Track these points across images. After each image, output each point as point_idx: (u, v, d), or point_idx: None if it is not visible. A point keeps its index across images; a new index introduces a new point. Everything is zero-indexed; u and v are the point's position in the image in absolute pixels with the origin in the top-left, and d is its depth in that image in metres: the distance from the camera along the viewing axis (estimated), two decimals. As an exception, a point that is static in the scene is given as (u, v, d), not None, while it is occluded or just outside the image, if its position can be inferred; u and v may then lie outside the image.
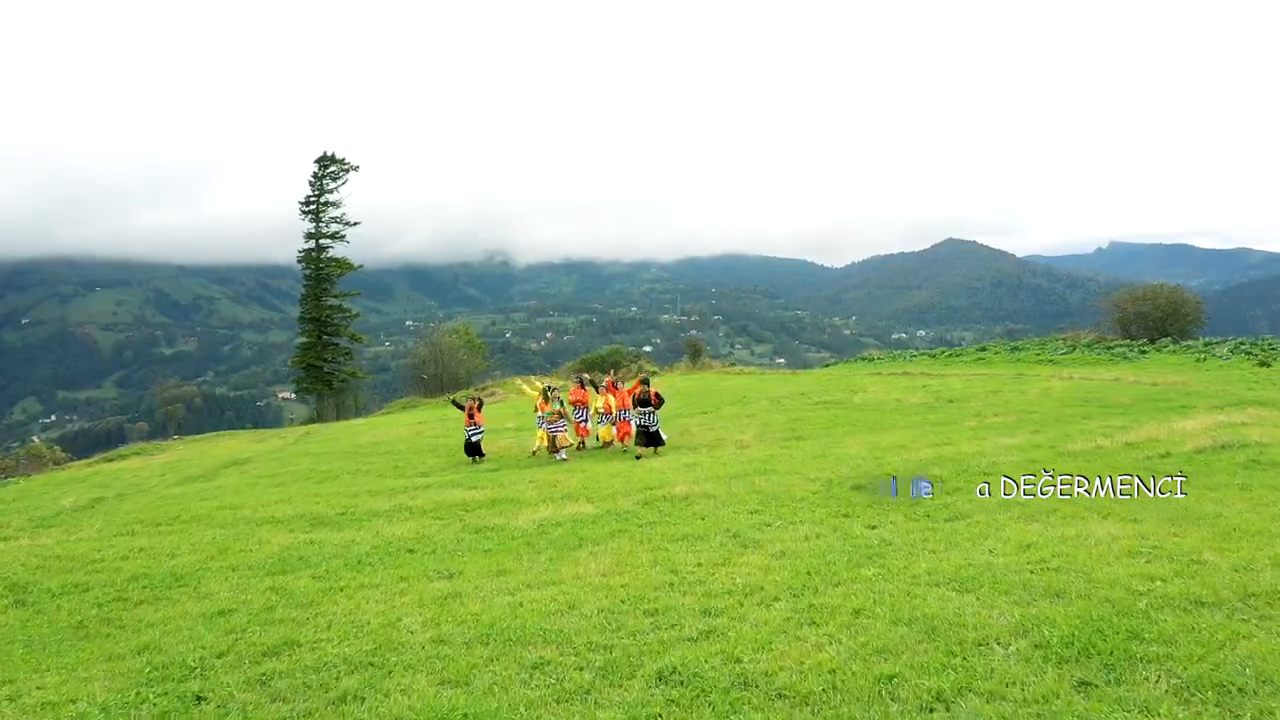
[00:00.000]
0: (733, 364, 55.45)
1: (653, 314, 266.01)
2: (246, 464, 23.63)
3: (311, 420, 51.87)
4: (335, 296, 54.86)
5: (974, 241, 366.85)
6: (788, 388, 36.92)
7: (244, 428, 62.83)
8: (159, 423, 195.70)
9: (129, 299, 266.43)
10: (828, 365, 57.10)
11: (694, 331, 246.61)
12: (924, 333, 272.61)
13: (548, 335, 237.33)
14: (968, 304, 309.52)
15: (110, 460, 38.36)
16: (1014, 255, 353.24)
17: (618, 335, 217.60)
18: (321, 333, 53.74)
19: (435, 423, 33.42)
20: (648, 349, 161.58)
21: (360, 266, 55.68)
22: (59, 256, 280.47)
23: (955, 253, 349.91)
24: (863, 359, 55.04)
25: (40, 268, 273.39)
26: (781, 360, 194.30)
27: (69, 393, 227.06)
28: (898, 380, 37.41)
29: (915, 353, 52.51)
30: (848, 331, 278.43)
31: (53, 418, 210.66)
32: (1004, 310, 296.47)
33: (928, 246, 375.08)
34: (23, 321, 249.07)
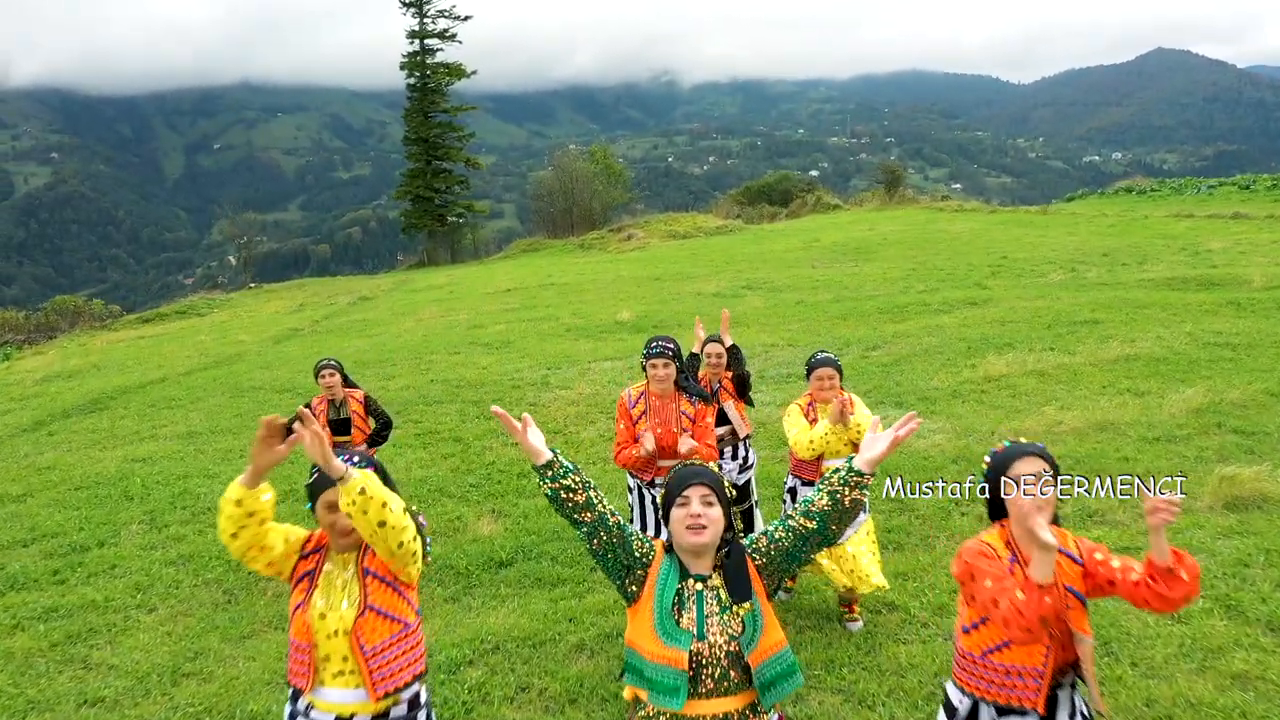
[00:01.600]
0: (943, 197, 40.95)
1: (820, 136, 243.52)
2: (172, 391, 12.95)
3: (421, 263, 41.64)
4: (446, 110, 43.13)
5: (1187, 51, 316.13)
6: (1058, 242, 23.05)
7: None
8: (339, 244, 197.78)
9: (307, 124, 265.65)
10: (1070, 198, 41.56)
11: (864, 155, 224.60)
12: (1119, 155, 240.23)
13: (710, 159, 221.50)
14: (1174, 123, 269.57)
15: (147, 321, 29.63)
16: (1234, 66, 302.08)
17: (783, 159, 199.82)
18: (430, 156, 42.45)
19: (534, 290, 21.96)
20: (814, 174, 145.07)
21: (475, 72, 43.24)
22: (242, 82, 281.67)
23: (1164, 65, 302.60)
24: (1124, 189, 39.29)
25: (227, 94, 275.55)
26: (958, 186, 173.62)
27: (258, 215, 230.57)
28: (1247, 230, 22.87)
29: (1212, 183, 36.31)
30: (1033, 155, 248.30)
31: (245, 239, 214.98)
32: (1216, 129, 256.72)
33: (1132, 58, 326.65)
34: (214, 147, 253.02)
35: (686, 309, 16.78)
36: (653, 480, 4.77)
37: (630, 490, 5.02)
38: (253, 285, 36.31)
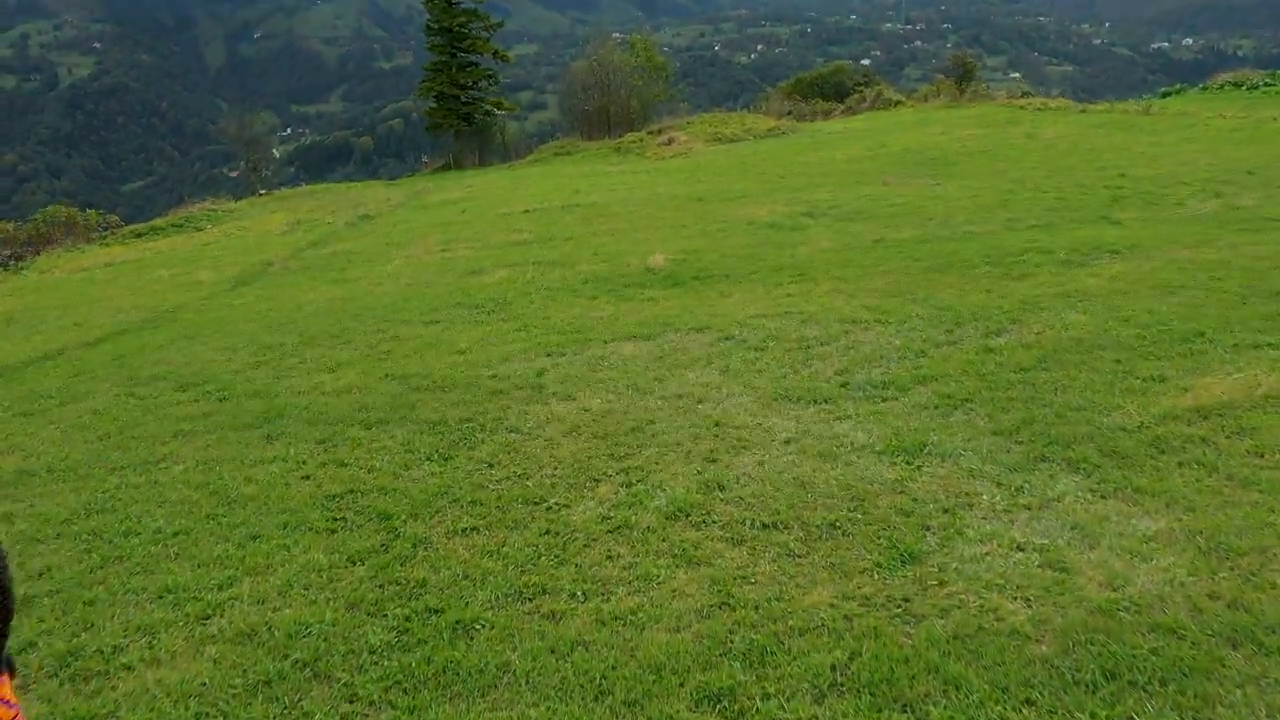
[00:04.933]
0: (1023, 93, 35.89)
1: (873, 22, 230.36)
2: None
3: (446, 165, 37.98)
4: (471, -3, 38.64)
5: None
6: (1180, 153, 18.80)
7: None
8: (381, 136, 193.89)
9: (346, 12, 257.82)
10: (1166, 94, 36.27)
11: (919, 42, 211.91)
12: (1190, 41, 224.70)
13: (759, 47, 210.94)
14: (1252, 3, 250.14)
15: (140, 235, 26.96)
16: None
17: (833, 47, 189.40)
18: (454, 49, 38.18)
19: (555, 213, 18.49)
20: (865, 62, 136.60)
21: (501, -48, 38.73)
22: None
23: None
24: (1230, 84, 33.96)
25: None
26: (1016, 75, 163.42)
27: (300, 106, 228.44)
28: None
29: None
30: (1098, 41, 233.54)
31: (288, 130, 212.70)
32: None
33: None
34: (255, 36, 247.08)
35: (736, 246, 13.26)
36: None
37: None
38: (262, 192, 33.17)
